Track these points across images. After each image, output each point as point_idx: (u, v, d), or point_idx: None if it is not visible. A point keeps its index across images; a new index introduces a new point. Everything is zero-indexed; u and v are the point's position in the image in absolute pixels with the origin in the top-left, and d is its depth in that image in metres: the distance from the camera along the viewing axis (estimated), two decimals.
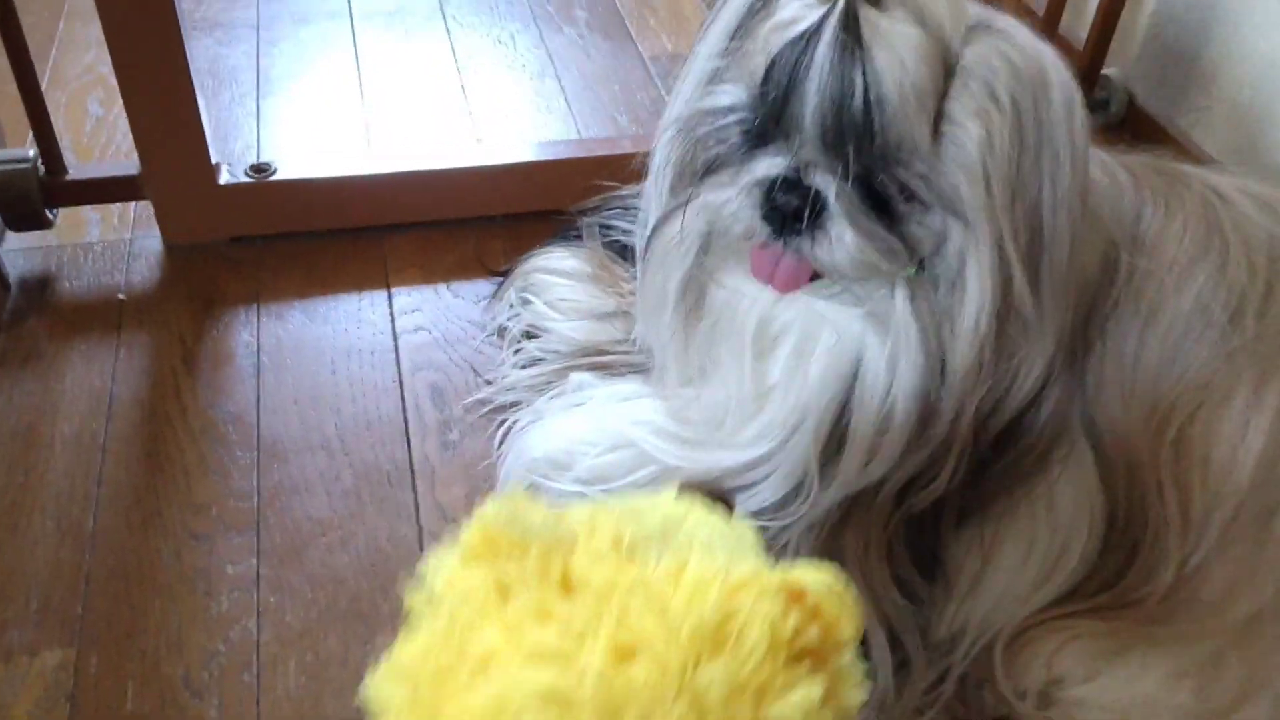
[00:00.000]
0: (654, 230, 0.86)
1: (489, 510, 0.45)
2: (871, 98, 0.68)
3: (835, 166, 0.72)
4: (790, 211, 0.73)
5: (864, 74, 0.68)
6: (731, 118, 0.77)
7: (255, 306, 1.26)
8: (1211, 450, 0.80)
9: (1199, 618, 0.79)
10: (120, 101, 1.24)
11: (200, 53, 1.67)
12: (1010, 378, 0.78)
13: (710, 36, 0.80)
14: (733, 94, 0.77)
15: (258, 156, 1.46)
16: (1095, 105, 1.50)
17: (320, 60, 1.70)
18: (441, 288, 1.30)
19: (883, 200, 0.73)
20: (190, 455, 1.09)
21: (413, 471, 1.08)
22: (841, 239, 0.73)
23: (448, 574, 0.45)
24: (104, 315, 1.24)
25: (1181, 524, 0.80)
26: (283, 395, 1.16)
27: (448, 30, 1.78)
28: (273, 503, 1.05)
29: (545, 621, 0.41)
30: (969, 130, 0.71)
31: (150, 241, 1.33)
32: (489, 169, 1.37)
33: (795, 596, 0.43)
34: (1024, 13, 1.62)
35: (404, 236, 1.36)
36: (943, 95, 0.71)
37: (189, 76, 1.22)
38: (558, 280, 1.18)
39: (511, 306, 1.21)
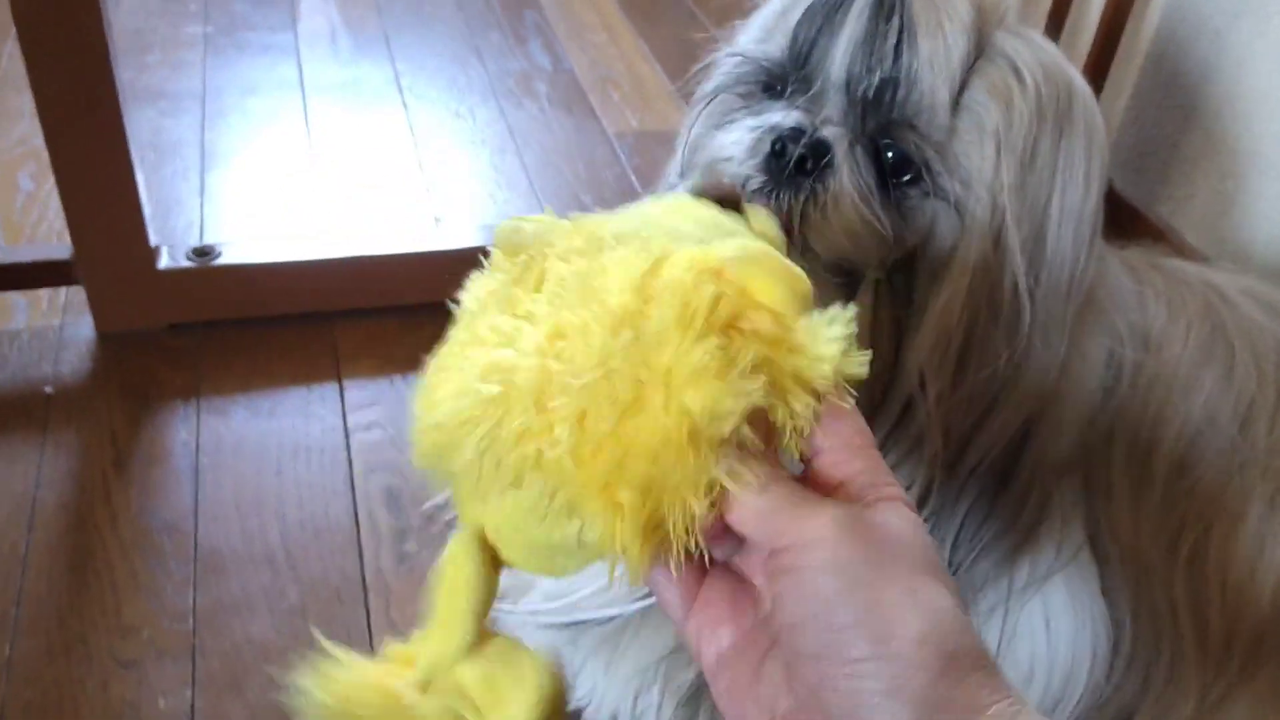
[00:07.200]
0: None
1: (499, 226, 0.51)
2: (903, 50, 0.65)
3: (850, 123, 0.67)
4: (794, 161, 0.67)
5: (900, 22, 0.65)
6: (748, 66, 0.72)
7: (194, 401, 1.17)
8: (1228, 573, 0.75)
9: None
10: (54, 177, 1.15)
11: (142, 124, 1.59)
12: (988, 394, 0.70)
13: None
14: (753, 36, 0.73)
15: (201, 234, 1.38)
16: None
17: (269, 133, 1.62)
18: (398, 380, 1.22)
19: (884, 176, 0.68)
20: (120, 569, 0.99)
21: (365, 587, 0.99)
22: (839, 199, 0.67)
23: (470, 286, 0.51)
24: (29, 410, 1.14)
25: (1199, 653, 0.74)
26: (223, 500, 1.06)
27: (404, 103, 1.71)
28: (210, 624, 0.95)
29: (511, 313, 0.47)
30: (989, 104, 0.67)
31: (82, 329, 1.24)
32: (447, 253, 1.30)
33: (714, 271, 0.45)
34: None
35: (357, 324, 1.28)
36: (969, 68, 0.66)
37: (127, 152, 1.14)
38: None
39: None
